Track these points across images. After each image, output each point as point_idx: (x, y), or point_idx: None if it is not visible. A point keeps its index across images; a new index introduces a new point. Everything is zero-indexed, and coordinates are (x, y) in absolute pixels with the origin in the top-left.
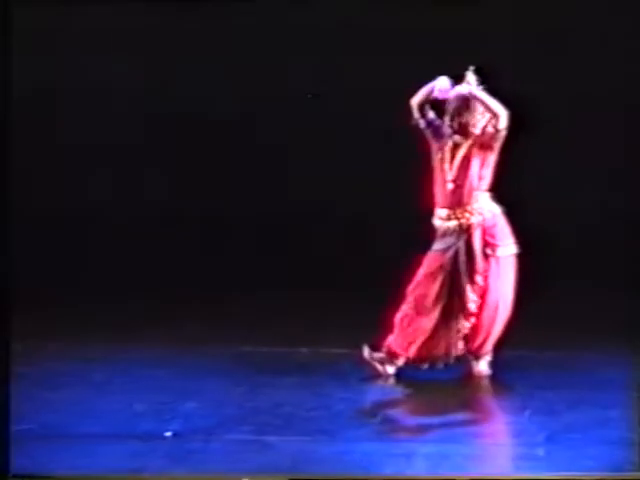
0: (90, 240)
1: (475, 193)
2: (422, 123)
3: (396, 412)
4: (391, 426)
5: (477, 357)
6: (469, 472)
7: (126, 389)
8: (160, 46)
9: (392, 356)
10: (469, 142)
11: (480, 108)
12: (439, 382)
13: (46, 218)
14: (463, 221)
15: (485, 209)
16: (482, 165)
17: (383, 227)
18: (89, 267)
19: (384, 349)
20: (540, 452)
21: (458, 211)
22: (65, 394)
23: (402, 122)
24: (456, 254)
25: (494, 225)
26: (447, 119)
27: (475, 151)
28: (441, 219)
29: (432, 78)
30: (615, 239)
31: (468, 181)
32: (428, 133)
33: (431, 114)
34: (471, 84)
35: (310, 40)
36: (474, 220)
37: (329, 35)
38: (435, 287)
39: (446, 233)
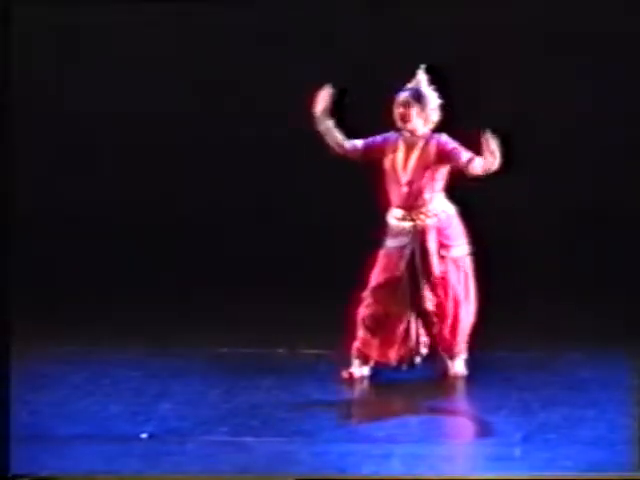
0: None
1: (430, 195)
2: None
3: (370, 414)
4: (366, 427)
5: (451, 357)
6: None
7: (104, 391)
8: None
9: (363, 358)
10: (421, 144)
11: (430, 107)
12: (413, 382)
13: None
14: (418, 222)
15: (440, 210)
16: (437, 167)
17: (342, 228)
18: (68, 268)
19: (353, 352)
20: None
21: (413, 212)
22: (44, 396)
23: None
24: (412, 255)
25: (448, 226)
26: (398, 120)
27: (430, 152)
28: (396, 219)
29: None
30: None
31: (423, 183)
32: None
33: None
34: (421, 83)
35: None
36: (429, 222)
37: None
38: (394, 286)
39: (401, 233)
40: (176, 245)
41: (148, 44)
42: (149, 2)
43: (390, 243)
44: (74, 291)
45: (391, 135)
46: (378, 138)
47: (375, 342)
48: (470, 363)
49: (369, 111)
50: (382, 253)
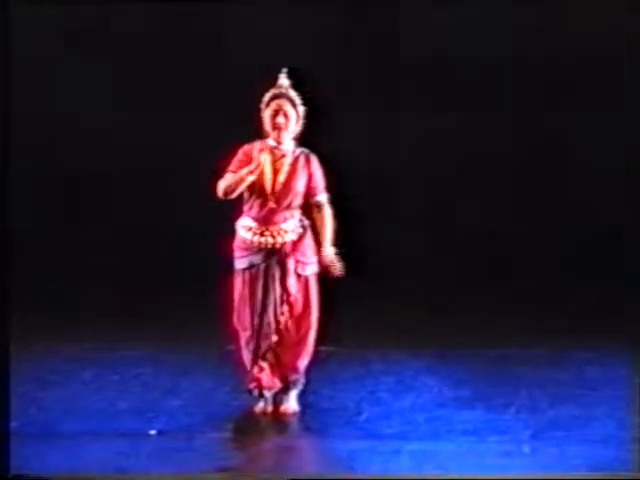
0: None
1: (291, 211)
2: None
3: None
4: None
5: (288, 388)
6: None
7: (113, 387)
8: None
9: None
10: (289, 158)
11: (289, 106)
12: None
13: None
14: (279, 239)
15: (298, 226)
16: (301, 180)
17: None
18: (76, 265)
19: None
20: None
21: (272, 228)
22: (53, 392)
23: None
24: (266, 273)
25: (304, 243)
26: (270, 128)
27: (297, 168)
28: (252, 232)
29: None
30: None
31: (288, 198)
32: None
33: None
34: (283, 87)
35: None
36: (287, 238)
37: None
38: (253, 309)
39: (256, 249)
40: (184, 244)
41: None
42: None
43: (242, 264)
44: (84, 288)
45: (252, 147)
46: (241, 160)
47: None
48: (479, 361)
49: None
50: (239, 277)
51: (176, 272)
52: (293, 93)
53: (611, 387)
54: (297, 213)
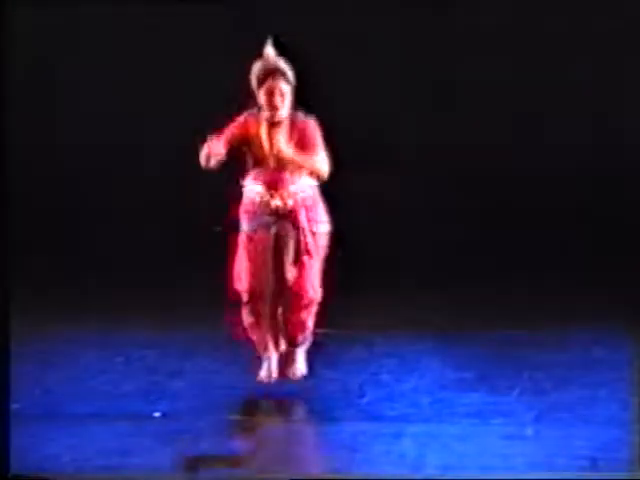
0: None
1: (297, 173)
2: None
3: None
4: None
5: (296, 345)
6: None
7: (117, 369)
8: None
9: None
10: (286, 123)
11: (283, 83)
12: None
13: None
14: (289, 202)
15: (307, 187)
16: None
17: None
18: (79, 247)
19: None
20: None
21: (281, 191)
22: (57, 374)
23: None
24: (279, 235)
25: (314, 201)
26: (262, 96)
27: (295, 131)
28: (260, 195)
29: None
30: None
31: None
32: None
33: None
34: (269, 56)
35: None
36: (298, 199)
37: None
38: (266, 273)
39: (264, 212)
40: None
41: None
42: None
43: (250, 226)
44: (88, 269)
45: (249, 115)
46: (235, 127)
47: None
48: (483, 343)
49: None
50: (248, 238)
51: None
52: (284, 66)
53: (616, 369)
54: (304, 174)
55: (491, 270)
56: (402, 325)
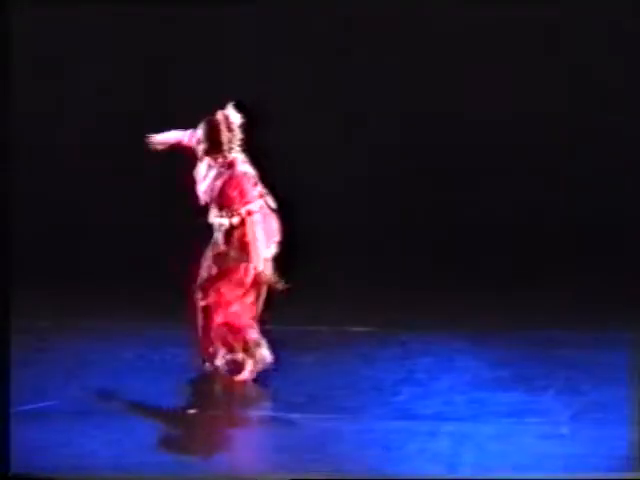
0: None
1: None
2: None
3: None
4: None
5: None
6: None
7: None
8: None
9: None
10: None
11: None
12: None
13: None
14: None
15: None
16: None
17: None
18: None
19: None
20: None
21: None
22: (94, 371)
23: None
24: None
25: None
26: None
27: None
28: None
29: None
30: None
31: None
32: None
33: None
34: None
35: None
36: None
37: None
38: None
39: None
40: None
41: None
42: None
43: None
44: (119, 270)
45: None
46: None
47: None
48: (519, 342)
49: None
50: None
51: None
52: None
53: None
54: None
55: (528, 270)
56: (438, 324)
